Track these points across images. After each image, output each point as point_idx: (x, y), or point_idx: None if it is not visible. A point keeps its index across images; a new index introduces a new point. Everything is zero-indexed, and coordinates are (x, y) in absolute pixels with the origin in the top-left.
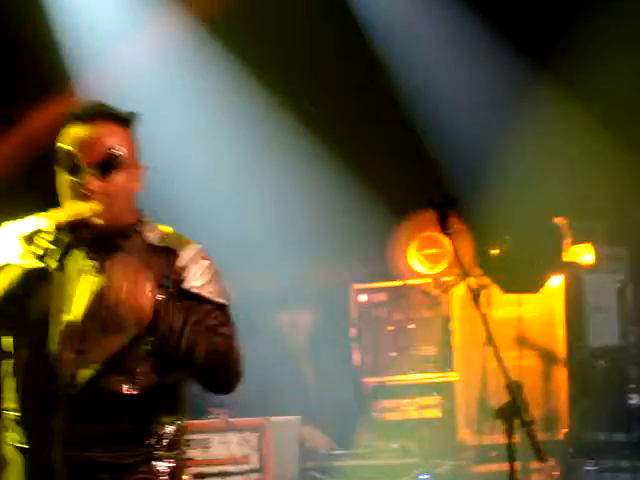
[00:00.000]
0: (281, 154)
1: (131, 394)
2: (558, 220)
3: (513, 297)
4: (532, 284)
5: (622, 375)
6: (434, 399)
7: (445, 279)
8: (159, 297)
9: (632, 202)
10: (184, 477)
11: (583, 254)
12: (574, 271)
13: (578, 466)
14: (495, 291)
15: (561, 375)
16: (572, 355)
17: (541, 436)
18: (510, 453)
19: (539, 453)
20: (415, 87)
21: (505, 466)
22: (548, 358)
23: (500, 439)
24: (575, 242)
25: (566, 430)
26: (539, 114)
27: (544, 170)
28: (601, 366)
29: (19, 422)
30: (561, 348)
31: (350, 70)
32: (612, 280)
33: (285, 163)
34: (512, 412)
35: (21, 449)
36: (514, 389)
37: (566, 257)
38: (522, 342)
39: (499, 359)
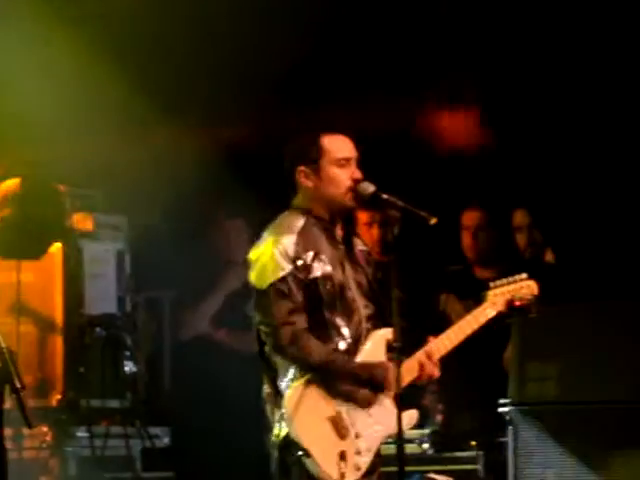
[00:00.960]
0: None
1: None
2: (59, 187)
3: (12, 263)
4: (32, 251)
5: (118, 343)
6: None
7: None
8: None
9: (128, 171)
10: None
11: (82, 222)
12: (73, 239)
13: (71, 432)
14: None
15: (57, 342)
16: (69, 322)
17: (35, 402)
18: None
19: (27, 419)
20: None
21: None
22: (45, 325)
23: None
24: (74, 210)
25: (60, 396)
26: None
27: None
28: (97, 333)
29: None
30: (58, 315)
31: None
32: (110, 248)
33: None
34: (3, 378)
35: None
36: (5, 355)
37: (66, 225)
38: (20, 308)
39: None
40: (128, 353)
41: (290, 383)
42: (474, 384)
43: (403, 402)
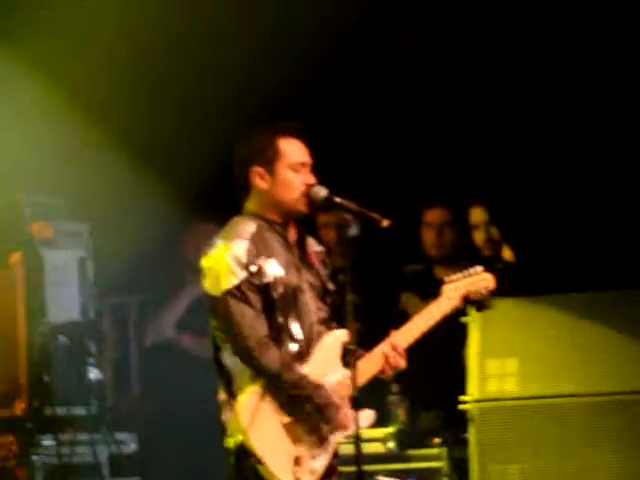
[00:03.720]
0: None
1: None
2: (18, 196)
3: None
4: None
5: (82, 350)
6: None
7: None
8: None
9: (89, 178)
10: None
11: (42, 230)
12: (33, 248)
13: (37, 440)
14: None
15: (21, 351)
16: (32, 331)
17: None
18: None
19: None
20: None
21: None
22: (8, 334)
23: None
24: (34, 218)
25: (25, 405)
26: None
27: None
28: (61, 341)
29: None
30: (21, 324)
31: None
32: (72, 256)
33: None
34: None
35: None
36: None
37: (25, 233)
38: None
39: None
40: (93, 360)
41: (244, 388)
42: (436, 382)
43: (362, 402)
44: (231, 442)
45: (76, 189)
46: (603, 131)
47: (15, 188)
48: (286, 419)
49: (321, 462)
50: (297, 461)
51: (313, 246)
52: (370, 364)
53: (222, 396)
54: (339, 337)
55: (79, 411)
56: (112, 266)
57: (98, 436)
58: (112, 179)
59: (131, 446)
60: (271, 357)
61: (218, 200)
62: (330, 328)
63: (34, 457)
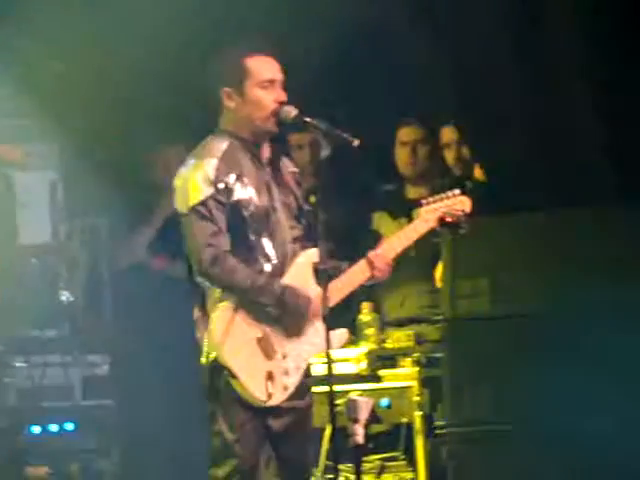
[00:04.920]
0: None
1: None
2: None
3: None
4: None
5: (53, 272)
6: None
7: None
8: None
9: (58, 98)
10: None
11: (11, 153)
12: (3, 169)
13: (9, 362)
14: None
15: None
16: (3, 253)
17: None
18: None
19: None
20: None
21: None
22: None
23: None
24: (3, 140)
25: None
26: None
27: None
28: (32, 264)
29: None
30: None
31: None
32: (43, 178)
33: None
34: None
35: None
36: None
37: None
38: None
39: None
40: (63, 283)
41: (216, 305)
42: (409, 301)
43: (336, 321)
44: (205, 358)
45: (46, 110)
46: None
47: None
48: (259, 333)
49: (293, 379)
50: (269, 376)
51: (288, 166)
52: (351, 278)
53: (196, 314)
54: (311, 256)
55: (50, 333)
56: (82, 188)
57: (70, 358)
58: (82, 99)
59: (104, 368)
60: (235, 269)
61: (189, 121)
62: (304, 247)
63: (5, 379)
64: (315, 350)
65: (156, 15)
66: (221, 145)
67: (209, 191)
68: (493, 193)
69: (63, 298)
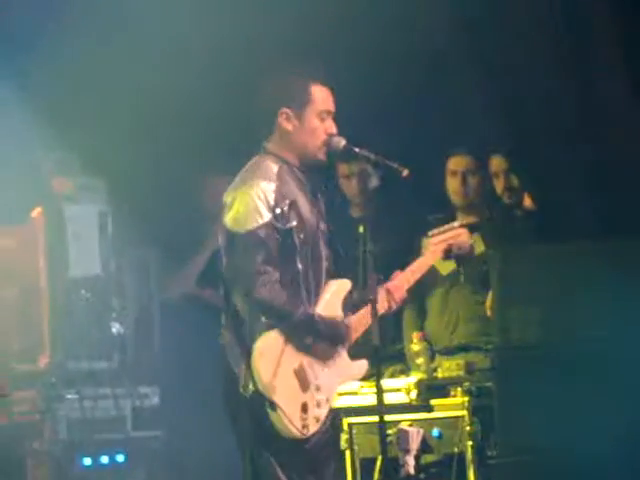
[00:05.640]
0: None
1: None
2: (38, 153)
3: None
4: (15, 216)
5: (103, 304)
6: None
7: None
8: None
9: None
10: None
11: (62, 185)
12: (54, 202)
13: (60, 395)
14: None
15: (43, 306)
16: (54, 285)
17: (23, 367)
18: None
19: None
20: None
21: None
22: (30, 289)
23: None
24: (54, 174)
25: (47, 360)
26: None
27: None
28: (83, 296)
29: None
30: (43, 279)
31: None
32: (92, 211)
33: None
34: None
35: None
36: None
37: (46, 189)
38: (3, 274)
39: None
40: (114, 314)
41: (259, 333)
42: (459, 330)
43: (359, 351)
44: (243, 387)
45: (94, 144)
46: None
47: (35, 145)
48: (296, 364)
49: (324, 410)
50: (304, 408)
51: (326, 193)
52: (364, 316)
53: (226, 338)
54: (343, 285)
55: (101, 365)
56: (131, 220)
57: (121, 390)
58: (129, 134)
59: (154, 399)
60: (280, 298)
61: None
62: (332, 276)
63: (57, 411)
64: (343, 382)
65: (200, 46)
66: (273, 168)
67: (268, 216)
68: (542, 221)
69: (113, 330)
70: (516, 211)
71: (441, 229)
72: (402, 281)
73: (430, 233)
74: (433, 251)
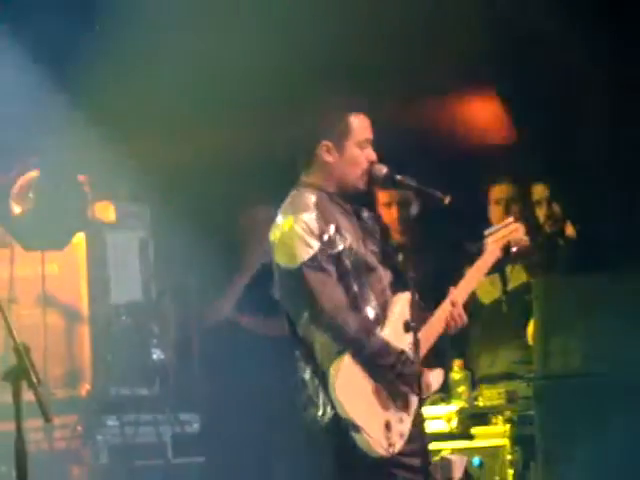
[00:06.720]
0: None
1: None
2: (80, 177)
3: (36, 254)
4: (56, 241)
5: (144, 330)
6: None
7: None
8: None
9: (149, 158)
10: None
11: (104, 211)
12: (96, 228)
13: (101, 421)
14: (18, 249)
15: (84, 332)
16: (95, 311)
17: (64, 393)
18: (17, 413)
19: (45, 413)
20: None
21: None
22: (71, 315)
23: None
24: (96, 199)
25: (89, 386)
26: None
27: None
28: (124, 322)
29: None
30: (84, 305)
31: None
32: (134, 237)
33: None
34: (19, 374)
35: None
36: (20, 351)
37: (88, 214)
38: (45, 300)
39: (6, 322)
40: (155, 340)
41: (331, 360)
42: (499, 358)
43: (428, 364)
44: (321, 415)
45: (138, 170)
46: None
47: (78, 168)
48: (373, 386)
49: (407, 425)
50: (387, 426)
51: (365, 212)
52: (434, 326)
53: (305, 373)
54: (406, 299)
55: (142, 391)
56: (172, 247)
57: (161, 416)
58: (172, 160)
59: (194, 426)
60: (353, 325)
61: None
62: (395, 291)
63: (98, 437)
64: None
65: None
66: (311, 198)
67: (317, 245)
68: (585, 250)
69: (154, 356)
70: (558, 239)
71: (496, 227)
72: (462, 290)
73: (486, 232)
74: (491, 250)
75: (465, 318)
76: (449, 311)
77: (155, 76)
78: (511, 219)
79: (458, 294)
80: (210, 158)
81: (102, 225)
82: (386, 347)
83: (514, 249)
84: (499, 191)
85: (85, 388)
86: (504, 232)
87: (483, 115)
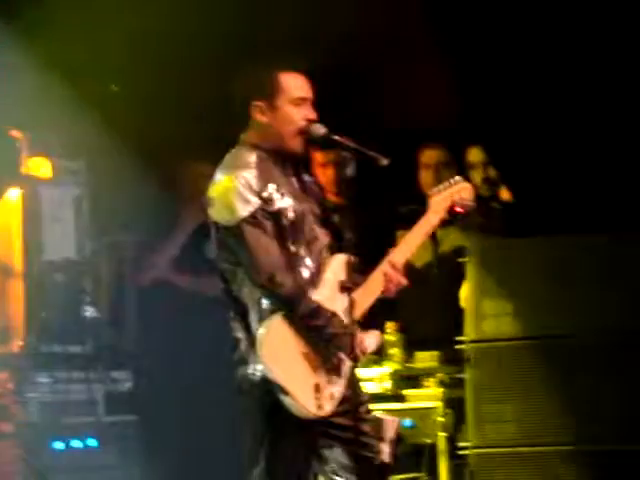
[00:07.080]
0: None
1: None
2: (14, 133)
3: None
4: None
5: (78, 288)
6: None
7: None
8: None
9: (85, 114)
10: None
11: (40, 167)
12: (31, 184)
13: (32, 378)
14: None
15: (18, 288)
16: (29, 268)
17: None
18: None
19: None
20: None
21: None
22: (4, 271)
23: None
24: (31, 155)
25: (21, 342)
26: None
27: None
28: (58, 279)
29: None
30: (18, 261)
31: None
32: (69, 193)
33: None
34: None
35: None
36: None
37: (23, 170)
38: None
39: None
40: (89, 298)
41: (262, 320)
42: (432, 322)
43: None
44: (251, 374)
45: (71, 125)
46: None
47: (12, 124)
48: (304, 348)
49: (338, 387)
50: (317, 388)
51: (305, 176)
52: (371, 288)
53: (238, 332)
54: (342, 260)
55: (75, 349)
56: (108, 204)
57: (93, 374)
58: (109, 117)
59: (126, 384)
60: (288, 284)
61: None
62: (333, 253)
63: (29, 394)
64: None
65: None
66: (251, 156)
67: (256, 201)
68: (519, 214)
69: (87, 314)
70: (494, 203)
71: (441, 186)
72: (402, 251)
73: (430, 192)
74: (435, 210)
75: (404, 280)
76: (388, 273)
77: (89, 24)
78: (459, 178)
79: (397, 255)
80: (151, 114)
81: (37, 181)
82: (317, 308)
83: (458, 209)
84: (428, 156)
85: (17, 344)
86: (452, 190)
87: (418, 80)
